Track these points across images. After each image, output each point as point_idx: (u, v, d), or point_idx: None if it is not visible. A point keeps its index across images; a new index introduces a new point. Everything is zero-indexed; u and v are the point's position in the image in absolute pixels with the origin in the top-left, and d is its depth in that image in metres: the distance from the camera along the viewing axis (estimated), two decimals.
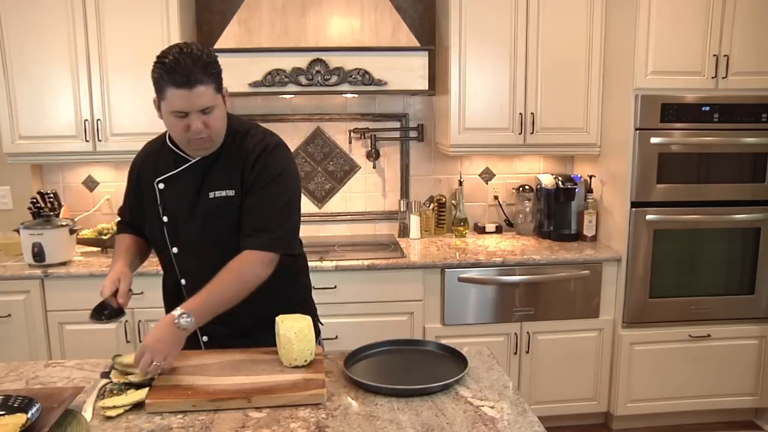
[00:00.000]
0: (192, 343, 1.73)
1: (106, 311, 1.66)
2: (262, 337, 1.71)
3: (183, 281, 1.78)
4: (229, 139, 1.71)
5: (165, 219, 1.74)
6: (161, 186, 1.73)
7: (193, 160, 1.71)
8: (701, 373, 3.13)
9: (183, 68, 1.51)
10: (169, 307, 1.80)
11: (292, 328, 1.59)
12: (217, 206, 1.68)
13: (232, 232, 1.69)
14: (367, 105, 3.46)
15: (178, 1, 2.92)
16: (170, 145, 1.74)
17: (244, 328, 1.76)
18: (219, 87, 1.61)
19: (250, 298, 1.64)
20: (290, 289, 1.84)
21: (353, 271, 2.88)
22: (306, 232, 1.96)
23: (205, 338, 1.81)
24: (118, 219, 1.96)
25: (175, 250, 1.76)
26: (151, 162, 1.77)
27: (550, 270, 3.01)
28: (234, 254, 1.65)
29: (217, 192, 1.68)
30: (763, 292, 3.11)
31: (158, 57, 1.56)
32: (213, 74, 1.57)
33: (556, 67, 3.12)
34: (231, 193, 1.68)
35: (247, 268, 1.63)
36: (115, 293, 1.67)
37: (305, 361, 1.60)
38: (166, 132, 1.79)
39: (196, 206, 1.70)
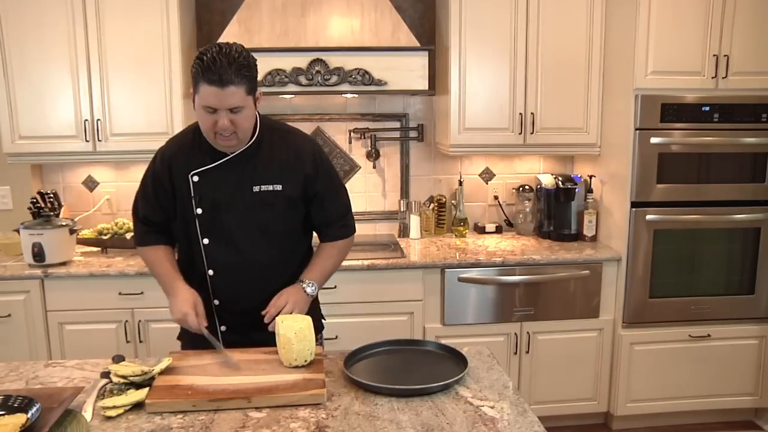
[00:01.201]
0: (211, 331, 1.78)
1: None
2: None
3: (210, 272, 1.81)
4: (267, 136, 1.79)
5: (199, 211, 1.78)
6: (195, 179, 1.76)
7: (231, 155, 1.75)
8: (701, 373, 3.13)
9: (218, 67, 1.57)
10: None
11: (292, 328, 1.59)
12: (263, 199, 1.77)
13: (276, 222, 1.80)
14: (367, 105, 3.46)
15: (178, 1, 2.92)
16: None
17: (261, 320, 1.79)
18: (251, 89, 1.66)
19: (274, 293, 1.79)
20: None
21: (353, 271, 2.88)
22: None
23: (223, 327, 1.85)
24: (139, 225, 1.90)
25: (206, 241, 1.79)
26: (184, 156, 1.80)
27: (550, 270, 3.01)
28: (272, 243, 1.79)
29: (263, 186, 1.76)
30: (763, 292, 3.11)
31: (199, 53, 1.62)
32: (246, 77, 1.62)
33: (556, 67, 3.12)
34: (278, 187, 1.77)
35: (346, 248, 1.95)
36: None
37: (305, 361, 1.60)
38: (193, 127, 1.83)
39: (238, 198, 1.76)
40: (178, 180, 1.79)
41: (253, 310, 1.78)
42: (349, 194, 1.95)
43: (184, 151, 1.80)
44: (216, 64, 1.57)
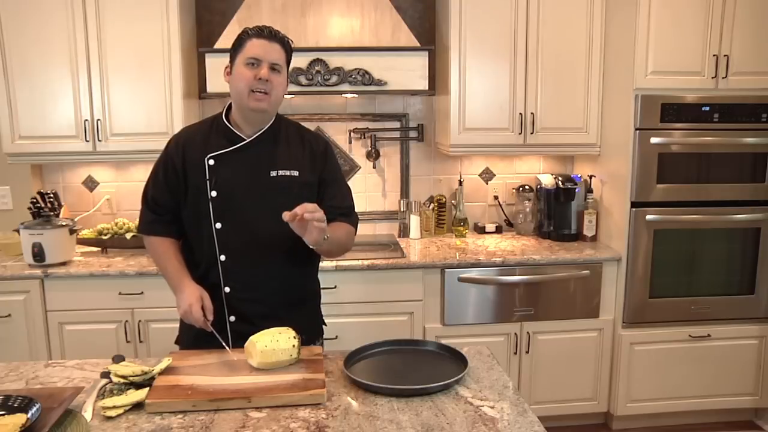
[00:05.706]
0: (220, 322, 1.79)
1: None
2: (291, 319, 1.74)
3: (222, 257, 1.82)
4: (283, 126, 1.88)
5: (213, 194, 1.79)
6: (211, 162, 1.80)
7: (248, 139, 1.80)
8: (701, 373, 3.13)
9: (269, 29, 1.76)
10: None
11: (255, 355, 1.56)
12: (280, 183, 1.81)
13: (290, 207, 1.77)
14: (367, 105, 3.46)
15: (178, 1, 2.92)
16: (226, 122, 1.82)
17: (275, 308, 1.83)
18: (287, 61, 1.81)
19: (285, 280, 1.85)
20: (313, 279, 2.01)
21: (353, 271, 2.88)
22: None
23: (232, 318, 1.84)
24: (146, 212, 1.90)
25: (218, 225, 1.81)
26: (200, 140, 1.83)
27: (550, 270, 3.01)
28: (286, 228, 1.74)
29: (281, 171, 1.81)
30: (763, 292, 3.11)
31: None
32: (287, 48, 1.80)
33: (556, 67, 3.12)
34: (295, 173, 1.83)
35: (353, 233, 1.93)
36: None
37: (291, 361, 1.59)
38: (212, 117, 1.88)
39: (256, 183, 1.80)
40: (192, 163, 1.80)
41: (264, 297, 1.80)
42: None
43: (201, 135, 1.84)
44: (268, 27, 1.76)
